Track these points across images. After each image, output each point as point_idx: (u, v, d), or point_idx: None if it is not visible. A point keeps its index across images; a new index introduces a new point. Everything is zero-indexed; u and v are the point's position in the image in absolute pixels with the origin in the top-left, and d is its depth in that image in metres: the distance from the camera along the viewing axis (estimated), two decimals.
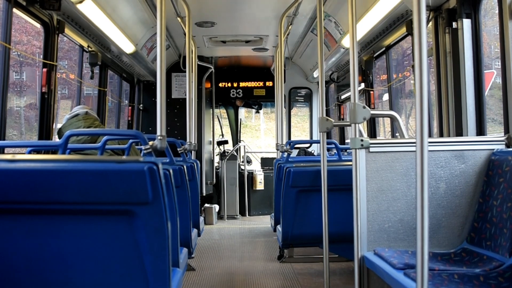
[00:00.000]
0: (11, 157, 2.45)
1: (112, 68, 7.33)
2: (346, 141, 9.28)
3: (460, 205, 3.59)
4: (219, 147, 10.68)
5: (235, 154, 10.34)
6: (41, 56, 5.02)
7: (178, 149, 5.60)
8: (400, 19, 5.43)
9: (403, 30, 5.54)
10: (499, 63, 3.73)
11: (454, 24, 4.48)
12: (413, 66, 4.58)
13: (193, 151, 6.60)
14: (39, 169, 2.40)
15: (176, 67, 9.40)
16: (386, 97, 7.16)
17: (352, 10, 3.44)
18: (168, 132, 8.93)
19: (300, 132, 18.09)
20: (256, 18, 7.20)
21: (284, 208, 5.16)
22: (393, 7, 5.03)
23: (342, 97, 9.48)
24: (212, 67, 9.81)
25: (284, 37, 7.10)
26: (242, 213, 10.21)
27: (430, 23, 4.75)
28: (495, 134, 4.87)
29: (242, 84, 10.46)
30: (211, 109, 10.36)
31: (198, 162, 6.46)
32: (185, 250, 3.88)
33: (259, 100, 10.87)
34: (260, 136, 27.11)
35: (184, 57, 7.21)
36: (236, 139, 11.29)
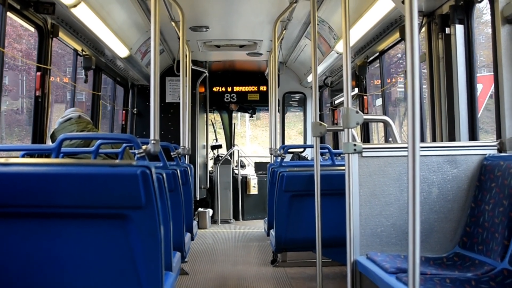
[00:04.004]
0: (4, 160, 2.45)
1: (106, 72, 7.32)
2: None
3: (452, 209, 3.61)
4: (213, 151, 10.67)
5: (229, 158, 10.33)
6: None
7: (172, 153, 5.60)
8: (394, 25, 5.46)
9: (396, 36, 5.56)
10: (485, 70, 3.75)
11: (447, 30, 4.50)
12: (405, 71, 4.61)
13: (186, 156, 6.59)
14: (33, 173, 2.40)
15: (170, 71, 9.39)
16: (379, 102, 7.18)
17: (345, 16, 3.46)
18: (162, 136, 8.94)
19: (293, 140, 18.09)
20: (250, 23, 7.21)
21: (277, 213, 5.16)
22: (387, 12, 5.05)
23: (336, 102, 9.50)
24: (206, 71, 9.80)
25: (278, 42, 7.12)
26: (236, 217, 10.19)
27: (423, 29, 4.77)
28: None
29: (236, 89, 10.46)
30: (205, 114, 10.35)
31: (191, 166, 6.46)
32: (178, 254, 3.87)
33: (253, 105, 10.87)
34: (246, 143, 27.08)
35: (178, 62, 7.20)
36: (230, 144, 11.28)
